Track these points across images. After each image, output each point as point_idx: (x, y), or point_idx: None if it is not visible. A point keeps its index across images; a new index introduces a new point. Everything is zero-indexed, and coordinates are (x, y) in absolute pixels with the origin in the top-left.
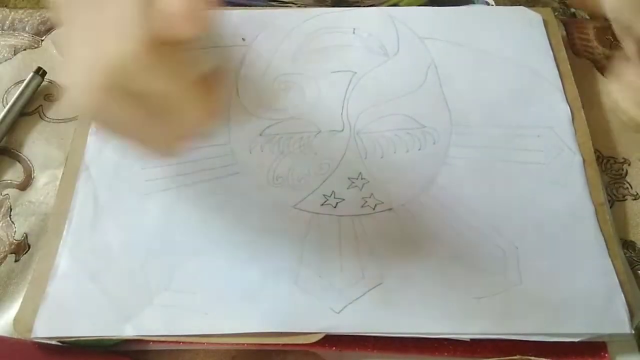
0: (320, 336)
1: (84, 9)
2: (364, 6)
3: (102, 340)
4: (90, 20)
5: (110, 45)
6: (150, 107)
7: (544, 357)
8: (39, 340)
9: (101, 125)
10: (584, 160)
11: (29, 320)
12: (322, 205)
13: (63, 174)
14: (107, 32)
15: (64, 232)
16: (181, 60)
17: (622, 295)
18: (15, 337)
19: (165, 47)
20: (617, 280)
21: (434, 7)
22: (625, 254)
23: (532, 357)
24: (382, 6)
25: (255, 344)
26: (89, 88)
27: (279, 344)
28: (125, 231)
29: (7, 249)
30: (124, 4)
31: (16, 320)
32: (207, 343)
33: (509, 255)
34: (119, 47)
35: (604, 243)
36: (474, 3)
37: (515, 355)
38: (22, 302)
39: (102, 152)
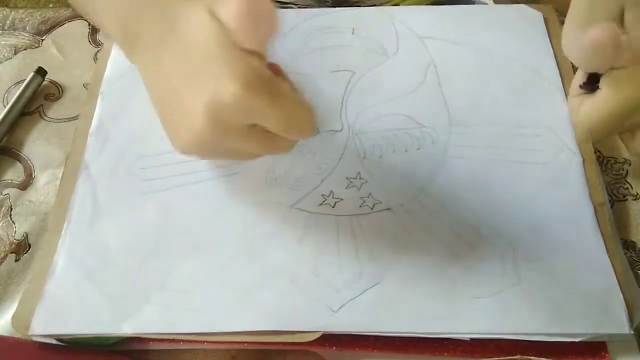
0: (318, 335)
1: (168, 65)
2: (365, 6)
3: (101, 338)
4: (177, 72)
5: (210, 91)
6: (255, 135)
7: (544, 356)
8: (37, 339)
9: (211, 158)
10: (583, 161)
11: (27, 318)
12: (320, 205)
13: (63, 173)
14: (204, 78)
15: (63, 231)
16: (278, 88)
17: (621, 295)
18: (16, 336)
19: (261, 80)
20: (616, 281)
21: (433, 7)
22: (625, 254)
23: (533, 357)
24: (382, 6)
25: (255, 343)
26: (200, 133)
27: (279, 344)
28: (123, 230)
29: (7, 248)
30: (210, 49)
31: (14, 317)
32: (205, 342)
33: (507, 255)
34: (220, 90)
35: (603, 243)
36: (474, 2)
37: (515, 355)
38: (20, 300)
39: (101, 152)
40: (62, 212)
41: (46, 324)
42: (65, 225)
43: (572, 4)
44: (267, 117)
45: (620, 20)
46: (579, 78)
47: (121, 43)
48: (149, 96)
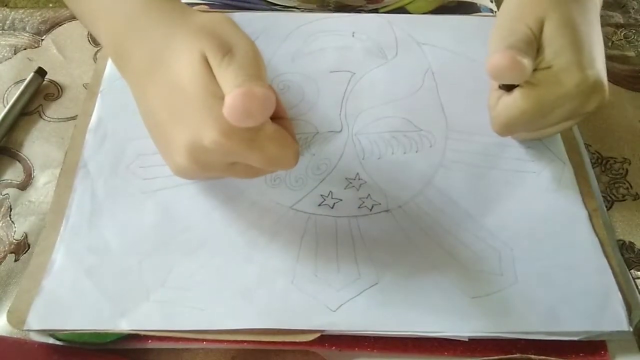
0: (317, 335)
1: (153, 96)
2: (366, 11)
3: (98, 335)
4: (162, 107)
5: (191, 134)
6: (237, 168)
7: (544, 355)
8: (33, 335)
9: (200, 179)
10: (574, 169)
11: (22, 313)
12: (319, 205)
13: (61, 170)
14: (186, 120)
15: (61, 228)
16: (258, 133)
17: (619, 293)
18: (15, 336)
19: (239, 129)
20: (613, 280)
21: (432, 15)
22: (624, 254)
23: (532, 356)
24: (382, 13)
25: (254, 343)
26: (183, 168)
27: (278, 343)
28: (122, 228)
29: (7, 248)
30: (194, 93)
31: (10, 312)
32: (204, 341)
33: (504, 256)
34: (200, 135)
35: (599, 245)
36: (480, 12)
37: (515, 353)
38: (16, 295)
39: (100, 149)
40: (60, 209)
41: (42, 319)
42: (63, 222)
43: (495, 22)
44: (246, 159)
45: (540, 32)
46: None
47: (112, 55)
48: (140, 114)
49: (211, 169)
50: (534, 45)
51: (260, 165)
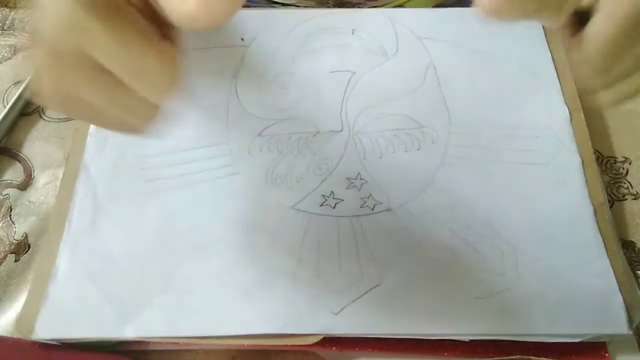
0: (319, 338)
1: None
2: (365, 8)
3: (103, 341)
4: None
5: (48, 10)
6: (98, 78)
7: (545, 357)
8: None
9: (64, 105)
10: (582, 161)
11: (30, 321)
12: (320, 205)
13: (64, 174)
14: None
15: (64, 233)
16: (132, 21)
17: (621, 296)
18: (16, 337)
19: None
20: (615, 282)
21: (432, 9)
22: (625, 254)
23: (533, 357)
24: (382, 8)
25: (255, 343)
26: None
27: (279, 345)
28: (124, 232)
29: (7, 248)
30: None
31: (18, 321)
32: (207, 344)
33: (507, 255)
34: (54, 10)
35: (603, 244)
36: None
37: (515, 355)
38: (24, 303)
39: (101, 152)
40: (62, 214)
41: (50, 329)
42: (66, 227)
43: None
44: (101, 43)
45: None
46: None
47: None
48: None
49: (70, 57)
50: None
51: (118, 62)
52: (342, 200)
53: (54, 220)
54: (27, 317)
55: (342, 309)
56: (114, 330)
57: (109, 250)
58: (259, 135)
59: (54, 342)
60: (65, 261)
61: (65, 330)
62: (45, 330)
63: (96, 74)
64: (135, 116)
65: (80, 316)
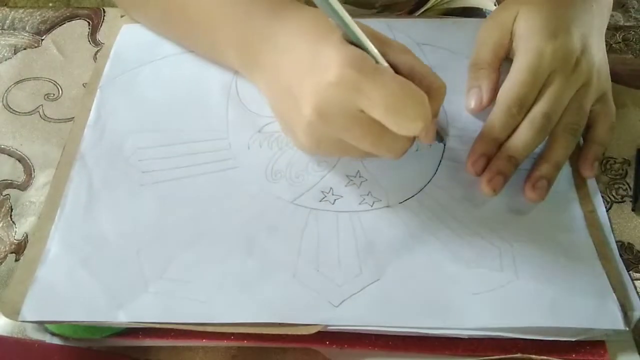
0: (319, 328)
1: (283, 69)
2: (367, 17)
3: (94, 329)
4: (291, 71)
5: (316, 76)
6: (361, 124)
7: (545, 355)
8: (29, 331)
9: (328, 153)
10: (573, 170)
11: (16, 303)
12: (320, 201)
13: (59, 162)
14: (313, 69)
15: (56, 218)
16: (380, 69)
17: (614, 295)
18: (16, 336)
19: (363, 60)
20: (608, 283)
21: (431, 19)
22: (622, 256)
23: (533, 356)
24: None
25: (254, 340)
26: (308, 121)
27: (279, 340)
28: (119, 219)
29: (7, 248)
30: (320, 44)
31: (3, 302)
32: (204, 338)
33: (504, 253)
34: (325, 74)
35: (594, 248)
36: (485, 16)
37: (516, 353)
38: (10, 285)
39: (98, 143)
40: (55, 200)
41: (37, 310)
42: (58, 212)
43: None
44: (369, 96)
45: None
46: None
47: (240, 68)
48: (271, 109)
49: (335, 117)
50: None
51: (383, 109)
52: (341, 196)
53: (47, 205)
54: (13, 299)
55: (342, 301)
56: (107, 314)
57: (103, 237)
58: (259, 131)
59: (47, 337)
60: (56, 245)
61: (54, 314)
62: (32, 312)
63: (357, 119)
64: (386, 149)
65: (71, 300)
